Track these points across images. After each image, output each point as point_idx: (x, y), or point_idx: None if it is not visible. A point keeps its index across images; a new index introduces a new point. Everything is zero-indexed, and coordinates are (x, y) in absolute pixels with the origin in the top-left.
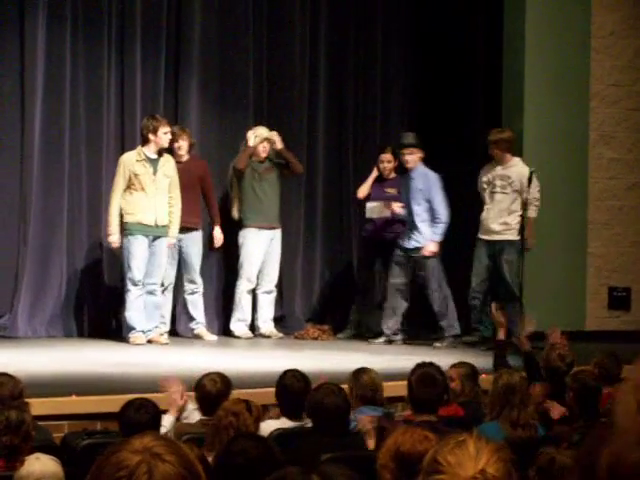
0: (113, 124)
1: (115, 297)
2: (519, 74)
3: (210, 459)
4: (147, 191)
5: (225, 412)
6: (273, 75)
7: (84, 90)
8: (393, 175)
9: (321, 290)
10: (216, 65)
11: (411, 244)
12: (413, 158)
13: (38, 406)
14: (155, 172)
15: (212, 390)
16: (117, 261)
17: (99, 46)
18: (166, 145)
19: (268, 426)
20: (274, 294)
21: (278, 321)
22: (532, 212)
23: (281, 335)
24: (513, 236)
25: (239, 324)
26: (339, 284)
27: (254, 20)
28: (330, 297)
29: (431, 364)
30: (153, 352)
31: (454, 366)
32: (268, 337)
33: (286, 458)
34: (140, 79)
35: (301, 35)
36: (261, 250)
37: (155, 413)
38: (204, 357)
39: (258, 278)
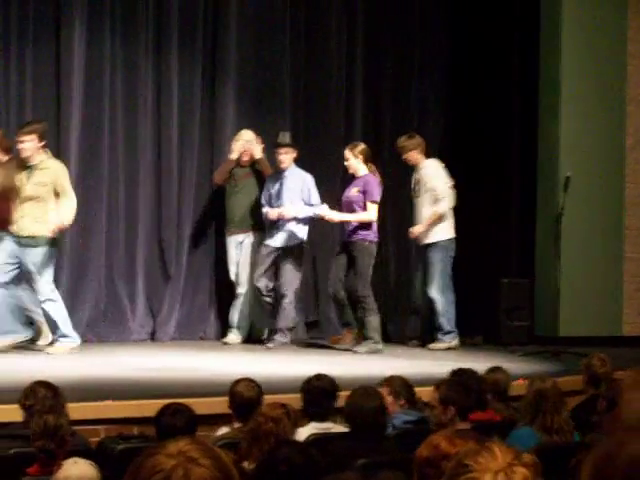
0: (150, 129)
1: (150, 302)
2: (555, 79)
3: (246, 465)
4: None
5: (264, 418)
6: (310, 80)
7: (122, 96)
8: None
9: None
10: (252, 70)
11: (277, 242)
12: (288, 157)
13: (74, 411)
14: None
15: (248, 396)
16: (155, 264)
17: (136, 52)
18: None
19: (303, 431)
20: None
21: (313, 326)
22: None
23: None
24: None
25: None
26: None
27: (291, 24)
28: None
29: (465, 371)
30: (189, 357)
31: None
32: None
33: (321, 464)
34: (177, 85)
35: (337, 41)
36: (232, 256)
37: (191, 418)
38: (238, 362)
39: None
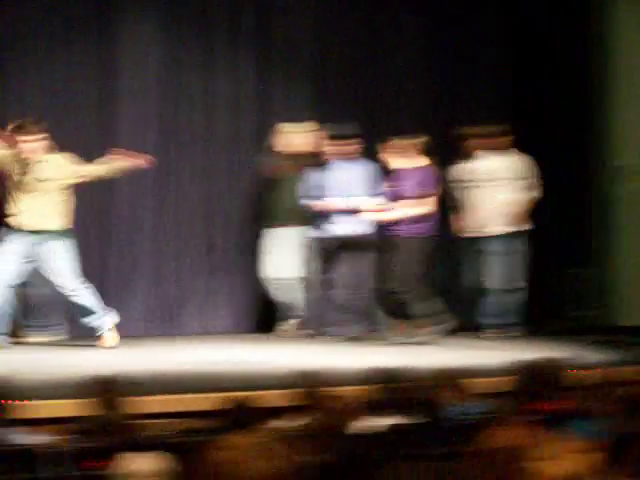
0: (202, 128)
1: (202, 295)
2: (609, 66)
3: (306, 458)
4: None
5: (328, 411)
6: (377, 67)
7: (198, 88)
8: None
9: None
10: (311, 64)
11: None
12: (354, 149)
13: (136, 404)
14: None
15: (313, 387)
16: (210, 261)
17: (210, 42)
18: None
19: (362, 424)
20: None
21: (385, 316)
22: None
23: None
24: None
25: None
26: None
27: (353, 19)
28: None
29: (533, 362)
30: (247, 350)
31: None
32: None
33: (383, 457)
34: (231, 82)
35: (396, 28)
36: (275, 248)
37: (253, 411)
38: (296, 354)
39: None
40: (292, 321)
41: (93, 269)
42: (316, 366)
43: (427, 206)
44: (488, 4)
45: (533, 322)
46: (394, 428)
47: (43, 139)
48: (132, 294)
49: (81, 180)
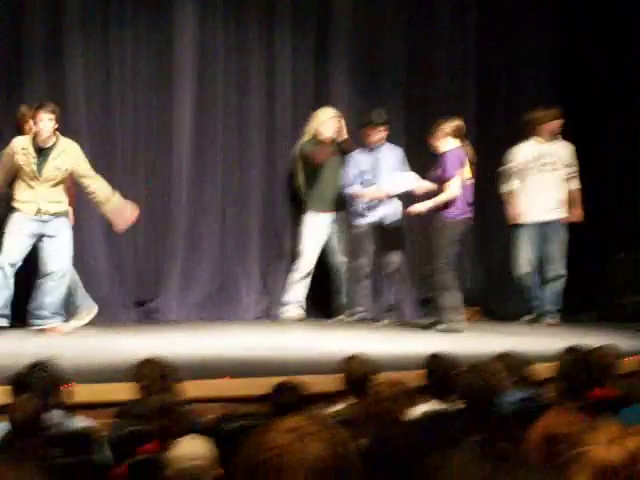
0: (263, 111)
1: (267, 279)
2: None
3: (361, 442)
4: None
5: (380, 396)
6: (424, 62)
7: (235, 78)
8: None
9: (473, 270)
10: (367, 51)
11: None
12: (385, 135)
13: (189, 389)
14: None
15: (363, 371)
16: (269, 244)
17: (248, 31)
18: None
19: (417, 409)
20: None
21: (425, 302)
22: None
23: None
24: None
25: (292, 306)
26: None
27: (408, 5)
28: (484, 278)
29: (583, 348)
30: (303, 335)
31: (499, 359)
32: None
33: (435, 442)
34: (288, 68)
35: (451, 19)
36: (323, 235)
37: (305, 395)
38: (349, 339)
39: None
40: (343, 308)
41: (153, 254)
42: (364, 352)
43: (453, 189)
44: None
45: (577, 309)
46: (448, 414)
47: (58, 122)
48: (190, 279)
49: (76, 177)
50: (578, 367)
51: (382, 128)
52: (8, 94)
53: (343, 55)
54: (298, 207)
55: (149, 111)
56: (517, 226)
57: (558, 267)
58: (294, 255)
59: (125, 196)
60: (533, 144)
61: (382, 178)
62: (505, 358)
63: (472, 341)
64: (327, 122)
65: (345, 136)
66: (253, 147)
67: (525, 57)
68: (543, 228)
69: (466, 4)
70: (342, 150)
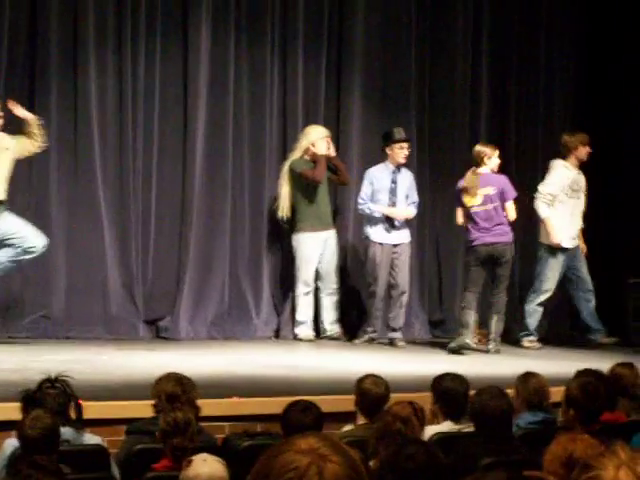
0: (275, 128)
1: (279, 298)
2: None
3: (372, 463)
4: None
5: (393, 417)
6: (436, 77)
7: (247, 94)
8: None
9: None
10: (378, 67)
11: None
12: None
13: (212, 407)
14: None
15: (375, 392)
16: (279, 264)
17: (261, 50)
18: None
19: (429, 430)
20: (336, 296)
21: (437, 325)
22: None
23: (348, 337)
24: None
25: (302, 326)
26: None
27: (417, 21)
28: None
29: (593, 373)
30: (315, 355)
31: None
32: (335, 339)
33: (448, 463)
34: (302, 83)
35: (463, 36)
36: (316, 253)
37: (318, 415)
38: (361, 360)
39: (318, 281)
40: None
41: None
42: (382, 372)
43: None
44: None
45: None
46: (461, 435)
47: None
48: (201, 298)
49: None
50: (590, 391)
51: (405, 145)
52: (21, 104)
53: (355, 73)
54: (284, 222)
55: (161, 127)
56: (550, 249)
57: (590, 285)
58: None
59: (138, 211)
60: (570, 168)
61: (400, 199)
62: (524, 380)
63: (485, 363)
64: (319, 141)
65: (333, 154)
66: (265, 165)
67: (540, 77)
68: (577, 250)
69: (479, 23)
70: (331, 168)
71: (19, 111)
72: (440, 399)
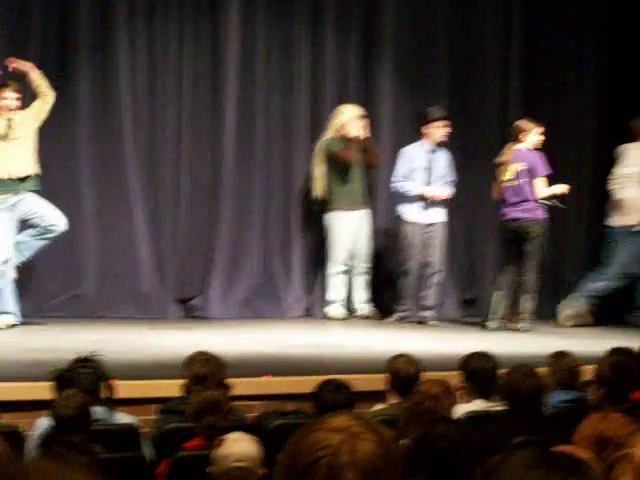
0: (305, 107)
1: (309, 277)
2: None
3: (403, 442)
4: None
5: (423, 396)
6: (466, 57)
7: (277, 73)
8: None
9: None
10: (408, 46)
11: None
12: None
13: (244, 386)
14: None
15: (407, 372)
16: (310, 243)
17: (291, 27)
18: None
19: (459, 408)
20: (368, 275)
21: (469, 303)
22: None
23: (380, 316)
24: None
25: (333, 305)
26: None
27: (454, 2)
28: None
29: (624, 351)
30: (346, 333)
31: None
32: (366, 318)
33: (479, 442)
34: (332, 61)
35: (493, 15)
36: (351, 232)
37: (350, 394)
38: (392, 339)
39: (351, 260)
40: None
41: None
42: (413, 351)
43: None
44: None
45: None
46: (492, 414)
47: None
48: (233, 277)
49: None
50: (620, 369)
51: (443, 123)
52: (52, 86)
53: (389, 53)
54: (318, 202)
55: (193, 108)
56: (625, 230)
57: None
58: (326, 255)
59: (169, 191)
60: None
61: (435, 178)
62: (556, 359)
63: (516, 341)
64: (352, 121)
65: (366, 136)
66: (294, 143)
67: (571, 58)
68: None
69: (511, 3)
70: (364, 147)
71: (18, 65)
72: (470, 378)
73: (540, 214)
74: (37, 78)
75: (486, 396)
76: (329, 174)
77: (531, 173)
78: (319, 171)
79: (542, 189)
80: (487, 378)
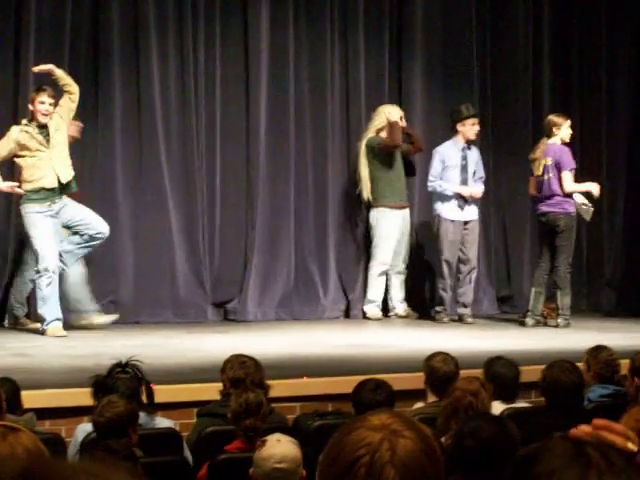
0: (337, 108)
1: (346, 278)
2: None
3: (443, 440)
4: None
5: (463, 392)
6: (497, 57)
7: (308, 74)
8: None
9: None
10: (439, 48)
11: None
12: None
13: (280, 388)
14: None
15: (444, 370)
16: (345, 243)
17: (322, 29)
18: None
19: (496, 406)
20: (405, 275)
21: (505, 300)
22: None
23: (417, 315)
24: None
25: (371, 305)
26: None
27: (482, 4)
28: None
29: None
30: (384, 333)
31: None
32: (404, 317)
33: (520, 437)
34: (363, 64)
35: (524, 13)
36: (397, 231)
37: (391, 393)
38: (427, 337)
39: (392, 259)
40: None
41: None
42: (451, 349)
43: None
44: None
45: None
46: (531, 410)
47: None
48: (268, 280)
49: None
50: None
51: (474, 121)
52: (84, 92)
53: (420, 53)
54: (362, 204)
55: (224, 111)
56: None
57: None
58: (369, 254)
59: (204, 195)
60: None
61: (470, 176)
62: (595, 353)
63: (554, 337)
64: (393, 111)
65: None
66: (327, 146)
67: (603, 54)
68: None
69: (541, 4)
70: (407, 133)
71: (41, 68)
72: (491, 381)
73: (568, 208)
74: (62, 76)
75: (506, 400)
76: (375, 172)
77: (557, 167)
78: (365, 172)
79: (569, 183)
80: (507, 384)
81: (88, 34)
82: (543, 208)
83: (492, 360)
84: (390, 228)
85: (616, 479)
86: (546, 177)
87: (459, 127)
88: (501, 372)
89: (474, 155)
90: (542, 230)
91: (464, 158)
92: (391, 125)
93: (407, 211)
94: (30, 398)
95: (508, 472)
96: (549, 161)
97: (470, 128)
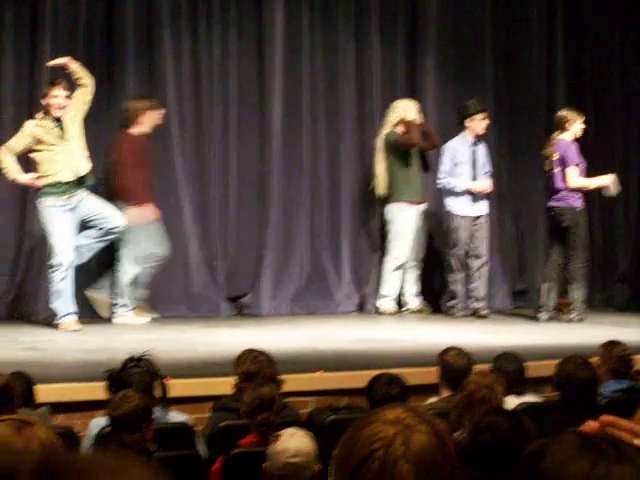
0: (351, 103)
1: (359, 273)
2: None
3: (457, 434)
4: None
5: (477, 386)
6: (510, 50)
7: (322, 70)
8: None
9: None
10: (453, 42)
11: (478, 211)
12: None
13: (284, 382)
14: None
15: (458, 365)
16: (359, 238)
17: (336, 24)
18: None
19: (510, 401)
20: (418, 270)
21: (519, 294)
22: None
23: (431, 309)
24: None
25: (385, 300)
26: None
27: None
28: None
29: None
30: (398, 327)
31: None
32: (417, 312)
33: (534, 432)
34: (377, 57)
35: (537, 6)
36: (413, 226)
37: (404, 387)
38: (441, 332)
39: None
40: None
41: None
42: (464, 343)
43: None
44: None
45: None
46: (545, 405)
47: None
48: (282, 274)
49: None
50: None
51: (482, 116)
52: (98, 88)
53: (433, 48)
54: (380, 199)
55: (238, 106)
56: None
57: None
58: (384, 248)
59: (217, 190)
60: None
61: (479, 171)
62: (608, 348)
63: (567, 332)
64: (409, 108)
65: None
66: (343, 141)
67: (616, 49)
68: None
69: (555, 1)
70: (423, 130)
71: (55, 62)
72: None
73: (574, 202)
74: (77, 69)
75: (515, 394)
76: (392, 168)
77: (563, 163)
78: (381, 168)
79: (574, 178)
80: (511, 378)
81: (102, 29)
82: (551, 203)
83: (498, 356)
84: (406, 223)
85: (626, 469)
86: (554, 172)
87: (467, 123)
88: (504, 366)
89: (482, 150)
90: (551, 225)
91: (473, 153)
92: (407, 124)
93: (423, 206)
94: (44, 392)
95: (517, 467)
96: (557, 156)
97: (479, 123)
